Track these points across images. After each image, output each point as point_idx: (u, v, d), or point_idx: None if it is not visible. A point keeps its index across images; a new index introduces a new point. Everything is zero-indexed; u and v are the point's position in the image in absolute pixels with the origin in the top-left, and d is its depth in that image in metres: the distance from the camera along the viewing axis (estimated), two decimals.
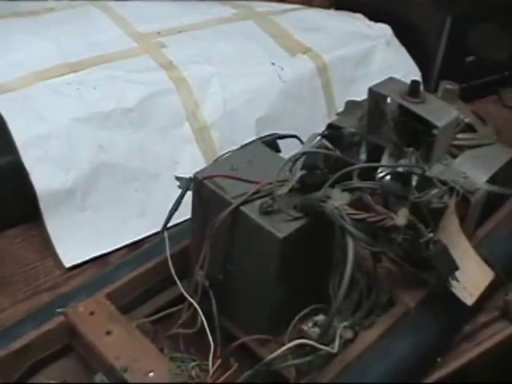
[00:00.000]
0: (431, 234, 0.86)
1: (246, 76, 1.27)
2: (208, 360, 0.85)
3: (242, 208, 0.85)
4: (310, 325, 0.88)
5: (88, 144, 1.13)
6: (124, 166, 1.15)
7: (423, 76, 1.41)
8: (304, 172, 0.88)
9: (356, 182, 0.88)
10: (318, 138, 0.99)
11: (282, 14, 1.44)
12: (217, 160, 0.96)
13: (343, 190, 0.85)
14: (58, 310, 0.91)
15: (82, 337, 0.88)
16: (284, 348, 0.80)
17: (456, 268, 0.87)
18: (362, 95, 1.05)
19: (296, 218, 0.84)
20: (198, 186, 0.90)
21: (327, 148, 0.98)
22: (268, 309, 0.88)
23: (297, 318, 0.88)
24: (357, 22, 1.46)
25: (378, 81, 1.33)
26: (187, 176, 0.94)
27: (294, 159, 0.90)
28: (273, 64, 1.29)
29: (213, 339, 0.86)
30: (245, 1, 1.50)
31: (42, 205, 1.09)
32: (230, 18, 1.40)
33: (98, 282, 0.97)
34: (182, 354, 0.89)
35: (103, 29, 1.31)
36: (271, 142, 0.99)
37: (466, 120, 1.09)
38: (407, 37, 1.45)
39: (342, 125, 1.02)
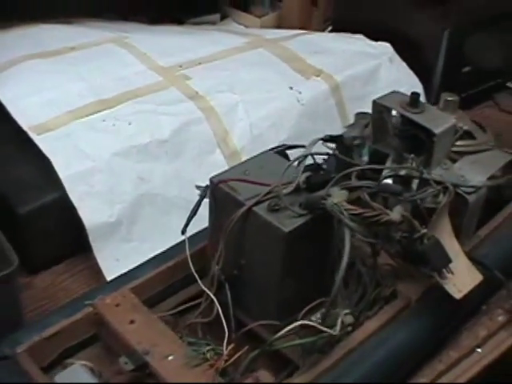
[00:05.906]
0: (425, 230, 0.91)
1: (268, 101, 1.32)
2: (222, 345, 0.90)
3: (253, 208, 0.91)
4: (319, 316, 0.90)
5: (129, 177, 1.17)
6: (164, 196, 1.19)
7: (425, 89, 1.47)
8: (309, 173, 0.94)
9: (354, 182, 0.94)
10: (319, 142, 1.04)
11: (290, 39, 1.50)
12: (232, 167, 1.01)
13: (342, 189, 0.91)
14: (87, 302, 0.96)
15: (108, 325, 0.94)
16: (287, 328, 0.86)
17: (449, 261, 0.93)
18: None
19: (300, 215, 0.90)
20: (213, 189, 0.96)
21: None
22: (276, 299, 0.94)
23: (305, 310, 0.91)
24: (359, 43, 1.52)
25: None
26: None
27: (298, 161, 0.97)
28: (291, 88, 1.35)
29: (227, 327, 0.91)
30: (250, 29, 1.56)
31: (91, 238, 1.13)
32: (243, 48, 1.45)
33: (123, 279, 1.02)
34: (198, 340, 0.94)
35: (127, 64, 1.35)
36: (281, 152, 1.05)
37: (465, 128, 1.16)
38: (407, 52, 1.52)
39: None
